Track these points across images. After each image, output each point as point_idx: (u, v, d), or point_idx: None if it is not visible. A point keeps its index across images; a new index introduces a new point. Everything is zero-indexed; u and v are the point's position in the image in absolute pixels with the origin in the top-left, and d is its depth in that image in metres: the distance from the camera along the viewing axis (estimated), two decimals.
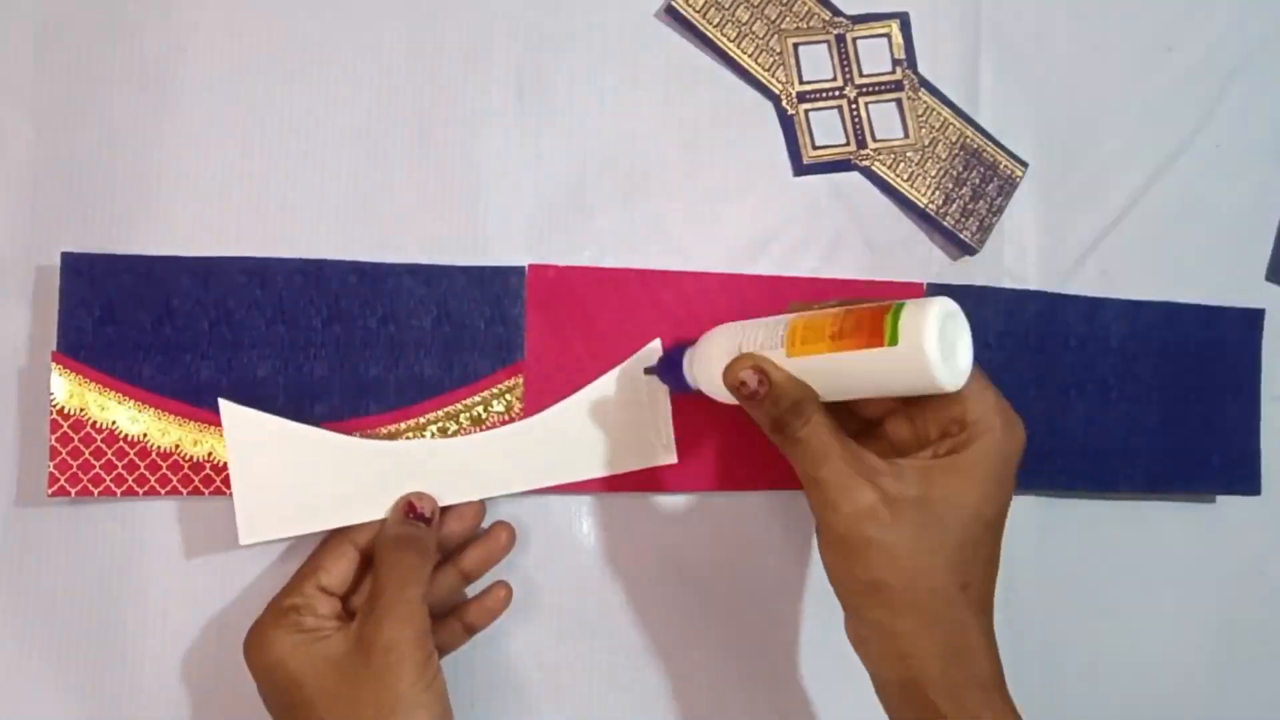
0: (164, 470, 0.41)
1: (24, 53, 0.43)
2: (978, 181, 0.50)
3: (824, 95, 0.49)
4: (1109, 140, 0.53)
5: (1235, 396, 0.53)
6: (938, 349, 0.34)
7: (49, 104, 0.43)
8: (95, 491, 0.41)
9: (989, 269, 0.51)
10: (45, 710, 0.42)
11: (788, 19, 0.49)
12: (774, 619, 0.48)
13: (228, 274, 0.42)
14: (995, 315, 0.50)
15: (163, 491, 0.41)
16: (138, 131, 0.43)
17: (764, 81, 0.49)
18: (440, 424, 0.44)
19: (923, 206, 0.50)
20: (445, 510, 0.43)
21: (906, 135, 0.50)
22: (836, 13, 0.49)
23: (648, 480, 0.46)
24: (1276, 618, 0.56)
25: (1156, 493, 0.53)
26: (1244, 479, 0.53)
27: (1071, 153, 0.53)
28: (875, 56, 0.50)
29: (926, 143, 0.50)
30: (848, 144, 0.49)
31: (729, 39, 0.48)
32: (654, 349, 0.46)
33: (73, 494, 0.41)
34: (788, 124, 0.49)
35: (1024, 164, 0.51)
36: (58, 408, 0.41)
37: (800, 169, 0.49)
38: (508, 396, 0.44)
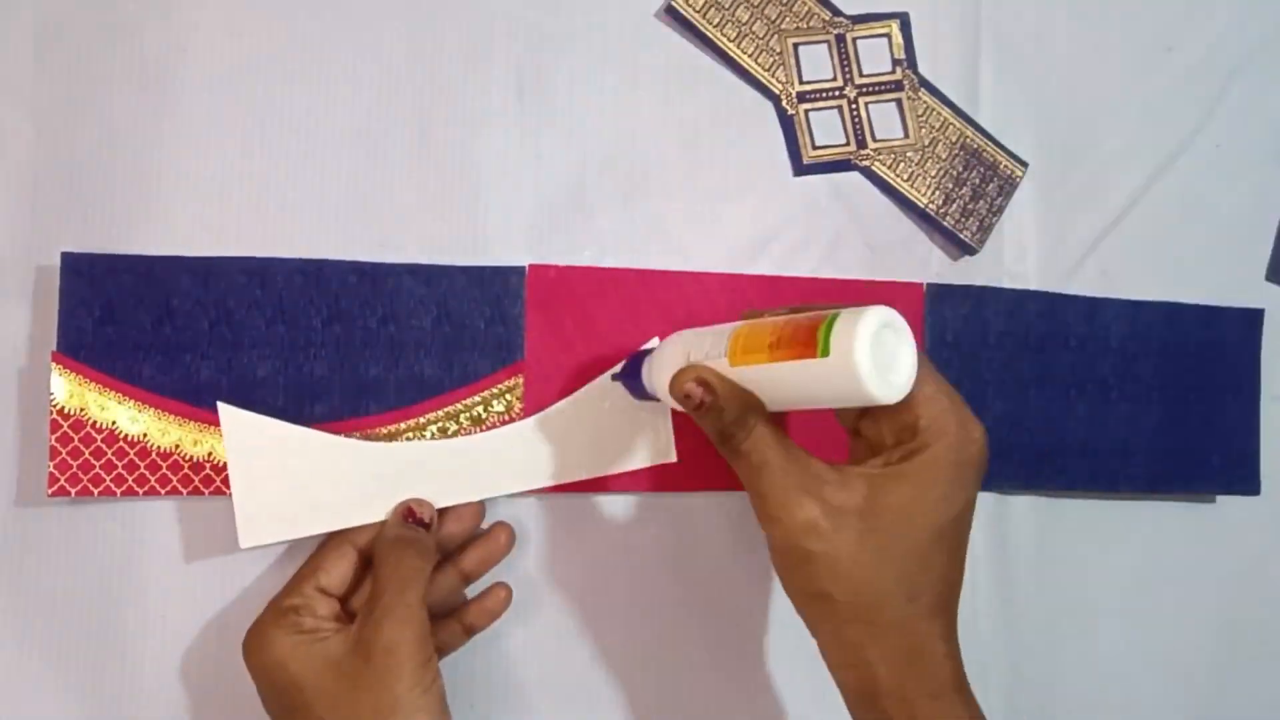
0: (164, 470, 0.41)
1: (24, 53, 0.43)
2: (978, 181, 0.50)
3: (824, 95, 0.49)
4: (1109, 140, 0.53)
5: (1235, 396, 0.53)
6: (869, 361, 0.34)
7: (49, 104, 0.43)
8: (95, 491, 0.41)
9: (989, 269, 0.51)
10: (45, 710, 0.42)
11: (788, 19, 0.49)
12: (775, 618, 0.48)
13: (228, 274, 0.42)
14: (995, 315, 0.50)
15: (163, 491, 0.41)
16: (138, 131, 0.43)
17: (764, 81, 0.49)
18: (440, 424, 0.44)
19: (923, 206, 0.50)
20: (445, 511, 0.43)
21: (906, 135, 0.50)
22: (836, 13, 0.49)
23: (648, 480, 0.46)
24: (1276, 618, 0.56)
25: (1156, 493, 0.53)
26: (1244, 479, 0.53)
27: (1071, 153, 0.53)
28: (875, 56, 0.50)
29: (926, 143, 0.50)
30: (848, 144, 0.49)
31: (729, 39, 0.48)
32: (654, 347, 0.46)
33: (73, 494, 0.41)
34: (788, 124, 0.49)
35: (1024, 164, 0.51)
36: (58, 408, 0.41)
37: (800, 169, 0.49)
38: (508, 396, 0.44)
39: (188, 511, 0.43)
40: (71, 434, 0.41)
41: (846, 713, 0.47)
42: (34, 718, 0.42)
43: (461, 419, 0.44)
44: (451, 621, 0.43)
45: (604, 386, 0.45)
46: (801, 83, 0.49)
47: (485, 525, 0.45)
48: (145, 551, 0.43)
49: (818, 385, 0.35)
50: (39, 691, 0.42)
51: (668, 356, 0.40)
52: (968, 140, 0.50)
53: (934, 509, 0.36)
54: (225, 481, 0.41)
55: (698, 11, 0.48)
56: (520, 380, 0.45)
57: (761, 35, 0.48)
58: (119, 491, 0.41)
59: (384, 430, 0.43)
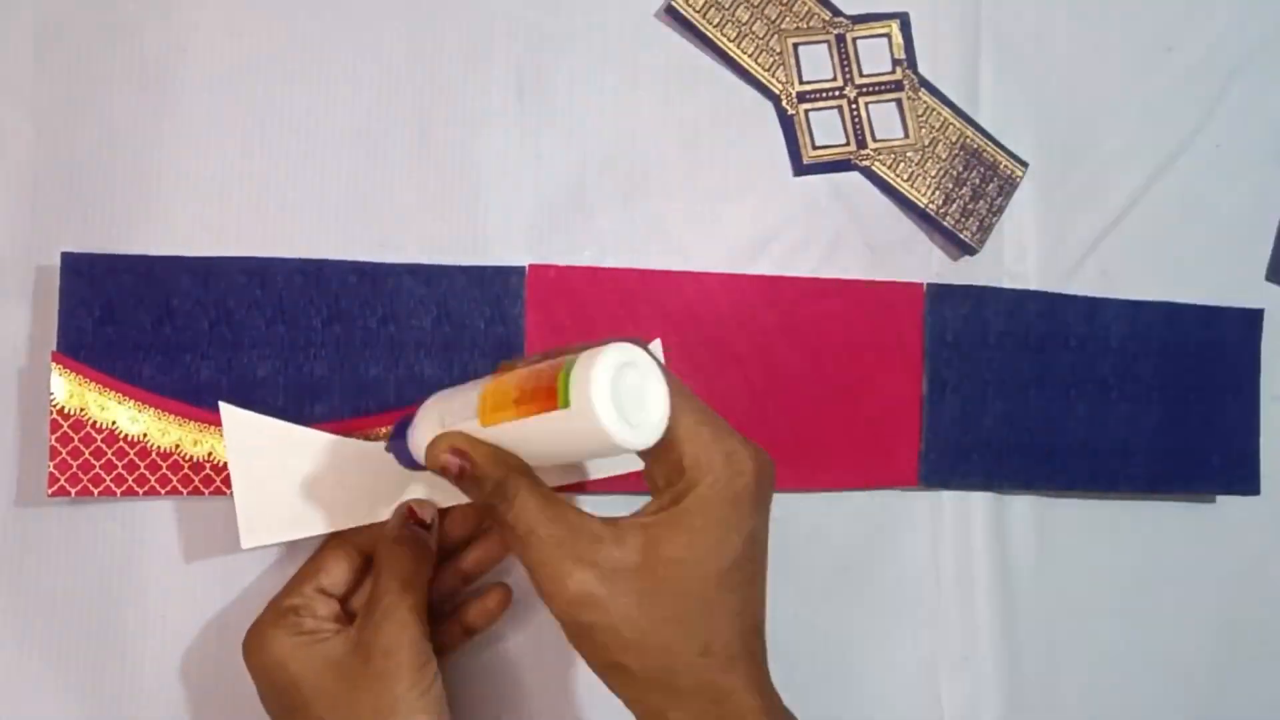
0: (164, 470, 0.41)
1: (24, 53, 0.43)
2: (978, 181, 0.50)
3: (824, 95, 0.49)
4: (1109, 140, 0.53)
5: (1235, 396, 0.53)
6: (609, 406, 0.31)
7: (49, 104, 0.43)
8: (95, 491, 0.41)
9: (989, 269, 0.51)
10: (45, 710, 0.42)
11: (788, 19, 0.49)
12: (775, 618, 0.48)
13: (228, 274, 0.42)
14: (995, 315, 0.50)
15: (163, 491, 0.41)
16: (138, 131, 0.43)
17: (764, 81, 0.49)
18: None
19: (923, 206, 0.50)
20: (445, 511, 0.43)
21: (906, 135, 0.50)
22: (836, 13, 0.49)
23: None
24: (1276, 618, 0.56)
25: (1156, 493, 0.53)
26: (1244, 479, 0.53)
27: (1071, 153, 0.53)
28: (875, 56, 0.50)
29: (926, 143, 0.50)
30: (848, 144, 0.49)
31: (729, 39, 0.48)
32: (655, 348, 0.46)
33: (73, 494, 0.41)
34: (788, 124, 0.49)
35: (1024, 164, 0.51)
36: (58, 408, 0.41)
37: (800, 169, 0.49)
38: None
39: (188, 511, 0.43)
40: (71, 434, 0.41)
41: (848, 706, 0.47)
42: (34, 718, 0.42)
43: None
44: (451, 622, 0.43)
45: None
46: (801, 83, 0.49)
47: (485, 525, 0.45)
48: (145, 551, 0.43)
49: (567, 438, 0.33)
50: (39, 691, 0.42)
51: (424, 424, 0.37)
52: (968, 140, 0.50)
53: (710, 555, 0.34)
54: (225, 481, 0.41)
55: (698, 11, 0.48)
56: None
57: (761, 35, 0.48)
58: (119, 491, 0.41)
59: (384, 430, 0.43)
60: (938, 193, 0.50)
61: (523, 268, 0.45)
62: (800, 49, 0.49)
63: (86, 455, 0.41)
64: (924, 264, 0.50)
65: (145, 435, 0.41)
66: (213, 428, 0.42)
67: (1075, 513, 0.52)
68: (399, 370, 0.44)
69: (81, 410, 0.41)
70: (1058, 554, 0.52)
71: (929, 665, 0.50)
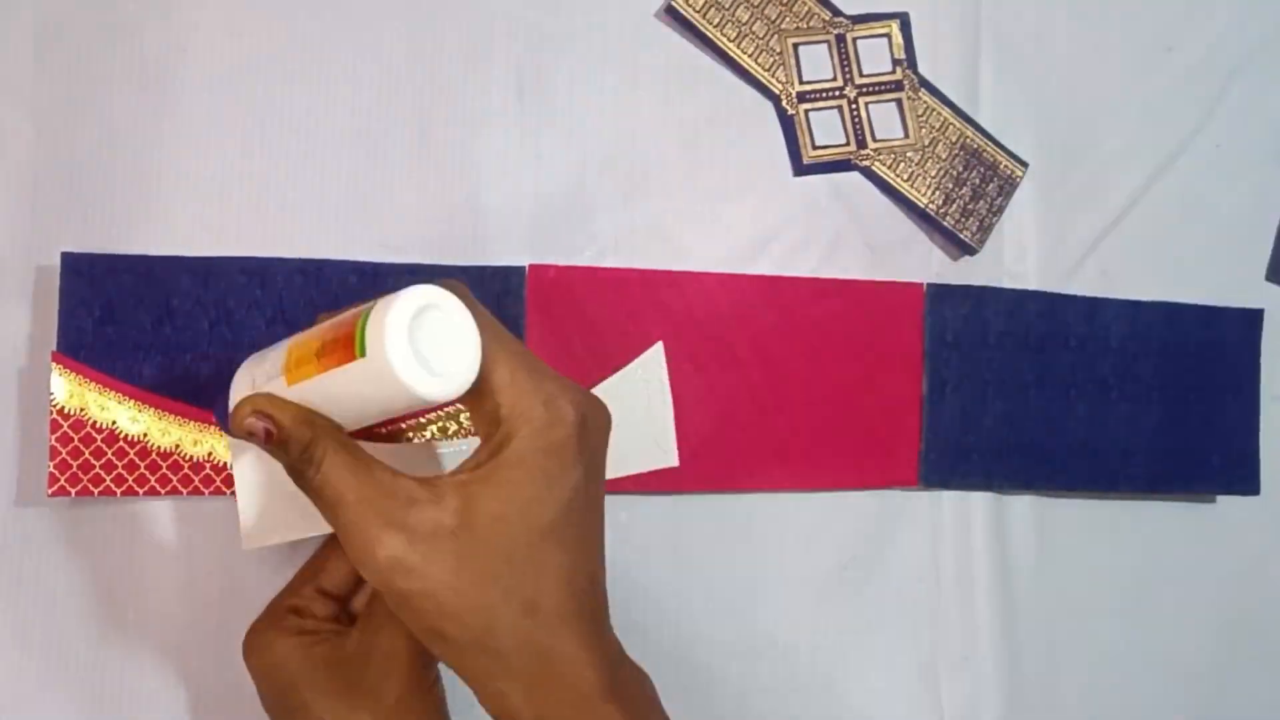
0: (164, 470, 0.41)
1: (24, 53, 0.42)
2: (978, 181, 0.50)
3: (824, 95, 0.49)
4: (1109, 140, 0.53)
5: (1235, 396, 0.53)
6: (408, 353, 0.29)
7: (49, 104, 0.43)
8: (95, 491, 0.41)
9: (989, 269, 0.51)
10: (45, 710, 0.42)
11: (788, 19, 0.49)
12: (776, 617, 0.48)
13: (228, 274, 0.42)
14: (995, 315, 0.50)
15: (163, 491, 0.41)
16: (138, 131, 0.43)
17: (764, 81, 0.49)
18: (440, 424, 0.44)
19: (923, 206, 0.50)
20: None
21: (906, 135, 0.50)
22: (836, 13, 0.49)
23: (648, 482, 0.46)
24: (1276, 618, 0.56)
25: (1156, 493, 0.53)
26: (1244, 479, 0.53)
27: (1071, 153, 0.53)
28: (875, 56, 0.50)
29: (926, 143, 0.50)
30: (848, 144, 0.49)
31: (729, 39, 0.48)
32: (656, 352, 0.46)
33: (73, 494, 0.41)
34: (788, 124, 0.49)
35: (1024, 164, 0.51)
36: (58, 408, 0.40)
37: (800, 169, 0.49)
38: None
39: (188, 511, 0.43)
40: (71, 434, 0.41)
41: (862, 700, 0.46)
42: (34, 718, 0.42)
43: (462, 419, 0.44)
44: None
45: (605, 390, 0.45)
46: (801, 83, 0.49)
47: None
48: (145, 551, 0.43)
49: (369, 391, 0.30)
50: (39, 691, 0.42)
51: (238, 388, 0.34)
52: (968, 140, 0.50)
53: (531, 508, 0.32)
54: (225, 481, 0.41)
55: (698, 11, 0.48)
56: None
57: (761, 35, 0.48)
58: (119, 491, 0.41)
59: (384, 430, 0.43)
60: (938, 193, 0.50)
61: (523, 268, 0.45)
62: (800, 49, 0.49)
63: (86, 455, 0.41)
64: (924, 264, 0.50)
65: (145, 435, 0.41)
66: (213, 428, 0.42)
67: (1075, 513, 0.52)
68: None
69: (81, 410, 0.41)
70: (1058, 554, 0.52)
71: (929, 665, 0.50)
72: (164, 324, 0.42)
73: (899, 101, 0.50)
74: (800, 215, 0.49)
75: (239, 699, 0.41)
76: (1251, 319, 0.54)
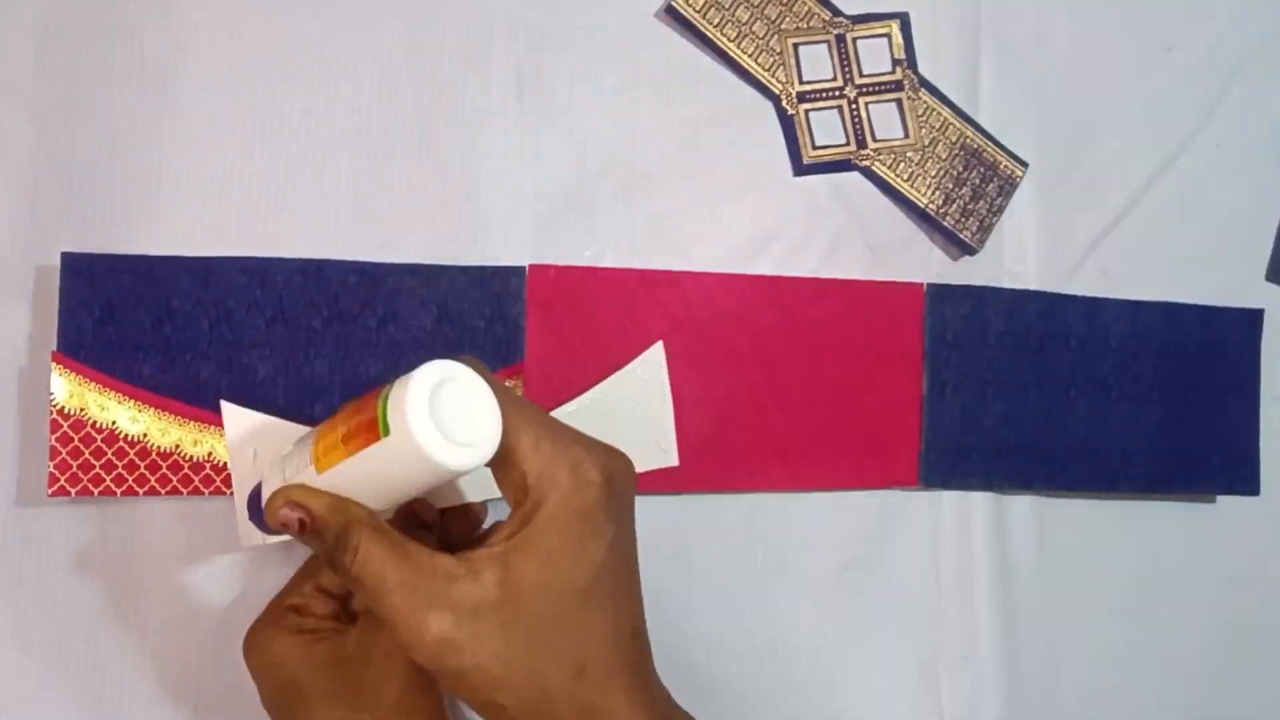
0: (164, 470, 0.41)
1: (24, 53, 0.42)
2: (978, 181, 0.50)
3: (824, 95, 0.49)
4: (1109, 140, 0.53)
5: (1235, 396, 0.53)
6: (430, 426, 0.30)
7: (49, 104, 0.43)
8: (95, 491, 0.41)
9: (989, 269, 0.51)
10: (45, 710, 0.42)
11: (788, 19, 0.49)
12: (777, 616, 0.48)
13: (228, 274, 0.42)
14: (995, 315, 0.50)
15: (163, 491, 0.41)
16: (138, 131, 0.43)
17: (764, 81, 0.49)
18: None
19: (923, 206, 0.50)
20: (445, 512, 0.43)
21: (906, 135, 0.50)
22: (836, 13, 0.49)
23: (648, 482, 0.46)
24: (1276, 618, 0.56)
25: (1156, 493, 0.53)
26: (1244, 479, 0.53)
27: (1071, 153, 0.53)
28: (875, 56, 0.50)
29: (926, 143, 0.50)
30: (848, 144, 0.49)
31: (729, 39, 0.48)
32: (656, 352, 0.46)
33: (73, 494, 0.41)
34: (788, 124, 0.49)
35: (1024, 164, 0.51)
36: (58, 408, 0.41)
37: (800, 169, 0.49)
38: None
39: (188, 511, 0.43)
40: (71, 434, 0.41)
41: (863, 697, 0.46)
42: (34, 718, 0.42)
43: None
44: None
45: (605, 390, 0.45)
46: (801, 83, 0.49)
47: (486, 526, 0.45)
48: (145, 551, 0.43)
49: (397, 469, 0.31)
50: (39, 691, 0.42)
51: (270, 485, 0.35)
52: (968, 140, 0.50)
53: (568, 573, 0.32)
54: (225, 481, 0.41)
55: (698, 11, 0.48)
56: (520, 381, 0.45)
57: (761, 35, 0.48)
58: (119, 491, 0.41)
59: None
60: (938, 193, 0.50)
61: (523, 268, 0.45)
62: (800, 49, 0.49)
63: (86, 455, 0.41)
64: (924, 264, 0.50)
65: (145, 435, 0.41)
66: (213, 428, 0.42)
67: (1075, 513, 0.52)
68: (399, 370, 0.43)
69: (81, 410, 0.41)
70: (1058, 554, 0.52)
71: (929, 665, 0.50)
72: (164, 324, 0.42)
73: (899, 101, 0.50)
74: (800, 215, 0.49)
75: (239, 699, 0.41)
76: (1251, 319, 0.54)
